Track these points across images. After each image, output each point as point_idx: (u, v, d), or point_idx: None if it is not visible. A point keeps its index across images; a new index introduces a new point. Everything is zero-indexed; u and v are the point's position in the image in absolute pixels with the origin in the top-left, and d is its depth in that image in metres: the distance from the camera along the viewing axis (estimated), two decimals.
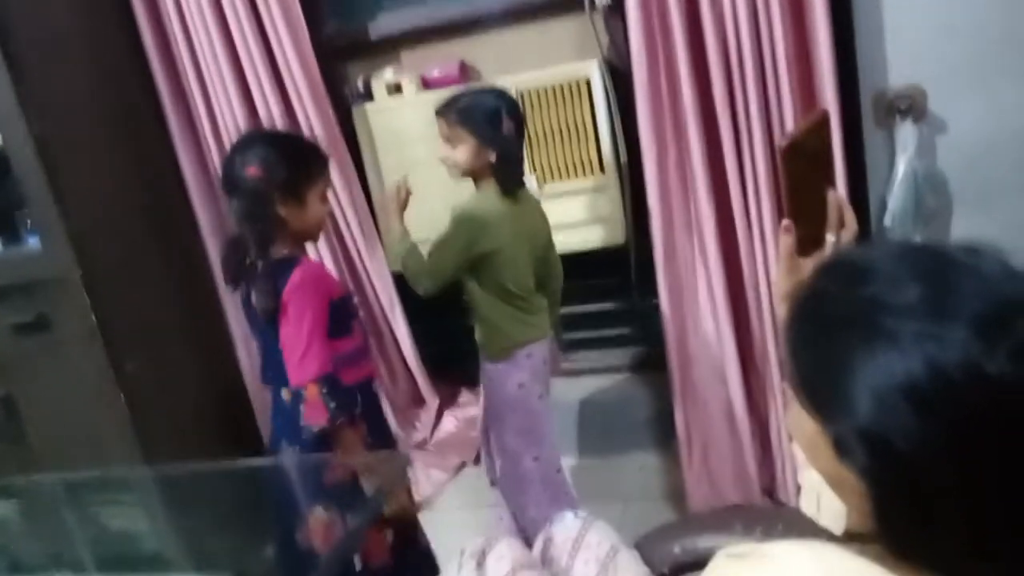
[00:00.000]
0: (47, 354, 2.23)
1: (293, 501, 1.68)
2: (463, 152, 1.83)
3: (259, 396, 2.64)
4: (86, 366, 2.21)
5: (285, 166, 1.62)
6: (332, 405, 1.56)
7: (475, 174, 1.88)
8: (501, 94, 1.89)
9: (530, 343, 1.94)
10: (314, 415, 1.56)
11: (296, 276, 1.60)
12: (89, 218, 2.19)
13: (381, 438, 1.80)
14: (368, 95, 2.48)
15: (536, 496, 2.00)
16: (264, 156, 1.61)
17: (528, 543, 1.40)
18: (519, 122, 1.88)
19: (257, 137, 1.75)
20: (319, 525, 1.57)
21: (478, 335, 1.98)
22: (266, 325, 1.64)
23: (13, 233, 2.30)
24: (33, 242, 2.23)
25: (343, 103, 2.51)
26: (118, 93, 2.35)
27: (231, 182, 1.65)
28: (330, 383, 1.57)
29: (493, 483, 2.14)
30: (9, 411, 2.31)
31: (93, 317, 2.17)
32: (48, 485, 1.94)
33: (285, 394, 1.65)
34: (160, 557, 1.70)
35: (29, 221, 2.22)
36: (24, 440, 2.32)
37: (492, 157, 1.83)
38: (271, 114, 2.29)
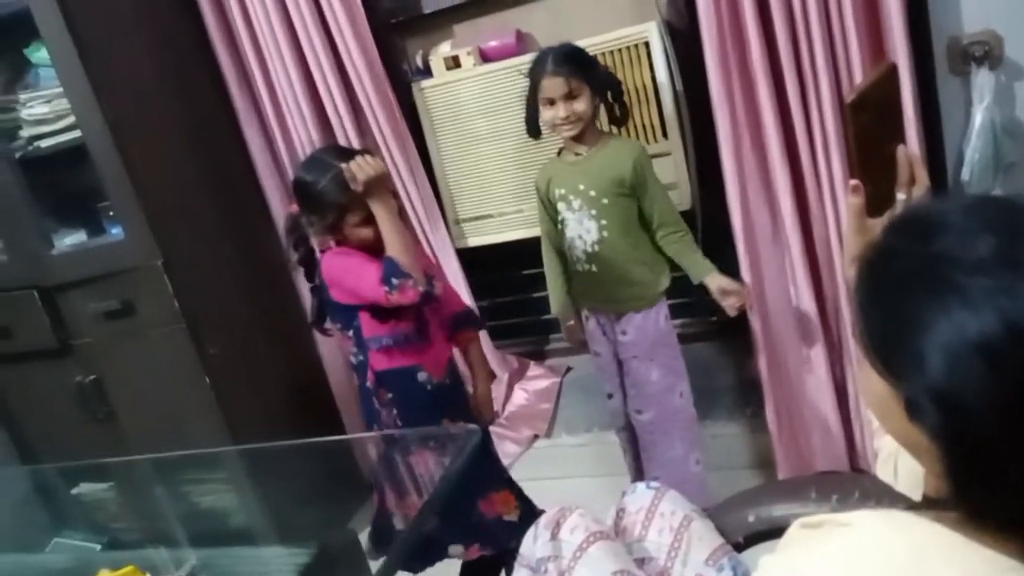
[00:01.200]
0: (133, 339, 2.32)
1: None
2: (583, 102, 1.88)
3: (336, 376, 2.70)
4: (171, 350, 2.29)
5: (315, 213, 1.76)
6: (405, 283, 1.67)
7: (589, 124, 1.93)
8: (571, 44, 1.95)
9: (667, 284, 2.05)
10: (406, 296, 1.67)
11: (324, 262, 1.80)
12: (167, 206, 2.26)
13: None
14: (427, 70, 2.49)
15: (682, 433, 2.06)
16: (300, 199, 1.79)
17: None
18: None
19: (299, 174, 1.84)
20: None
21: (630, 287, 1.99)
22: (337, 315, 1.82)
23: (97, 224, 2.40)
24: (116, 232, 2.32)
25: (403, 79, 2.52)
26: (186, 82, 2.41)
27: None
28: (385, 274, 1.67)
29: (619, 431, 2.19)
30: (99, 395, 2.42)
31: (176, 303, 2.24)
32: (139, 465, 2.03)
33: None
34: (248, 532, 1.77)
35: (111, 212, 2.31)
36: (114, 423, 2.43)
37: (598, 99, 1.91)
38: (332, 95, 2.31)
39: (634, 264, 1.97)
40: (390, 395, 1.82)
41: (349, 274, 1.74)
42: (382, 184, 1.70)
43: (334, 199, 1.70)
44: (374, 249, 1.73)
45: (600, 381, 2.16)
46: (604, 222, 1.94)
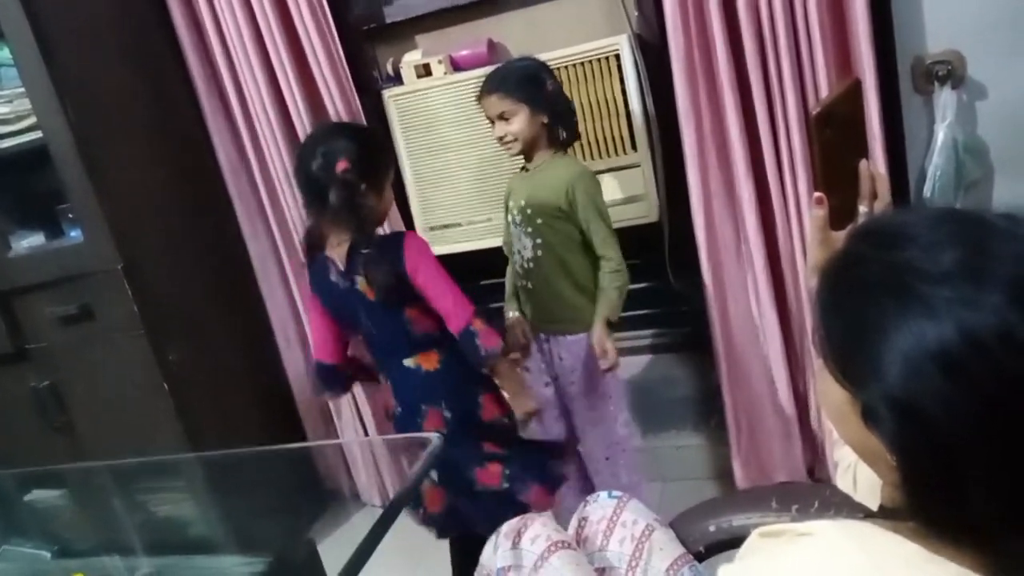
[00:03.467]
0: (91, 344, 2.28)
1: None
2: (518, 123, 1.86)
3: (299, 384, 2.67)
4: (130, 355, 2.26)
5: (369, 158, 1.71)
6: (499, 329, 1.71)
7: (532, 144, 1.90)
8: (531, 58, 1.95)
9: None
10: (490, 341, 1.69)
11: (411, 243, 1.72)
12: (129, 210, 2.23)
13: None
14: (398, 78, 2.48)
15: (628, 461, 2.04)
16: (348, 150, 1.69)
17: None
18: (556, 79, 1.93)
19: (334, 131, 1.81)
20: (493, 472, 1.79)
21: (570, 306, 1.96)
22: (380, 303, 1.72)
23: (55, 226, 2.36)
24: (75, 235, 2.28)
25: (373, 87, 2.51)
26: (153, 84, 2.38)
27: (313, 178, 1.71)
28: (483, 314, 1.70)
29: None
30: (56, 401, 2.37)
31: (135, 308, 2.21)
32: (95, 472, 1.99)
33: (410, 362, 1.77)
34: (205, 540, 1.74)
35: (71, 214, 2.27)
36: (71, 428, 2.38)
37: (545, 118, 1.87)
38: (296, 101, 2.29)
39: (566, 287, 1.95)
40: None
41: (440, 276, 1.72)
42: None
43: (387, 148, 1.80)
44: (383, 220, 1.84)
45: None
46: (538, 241, 1.94)
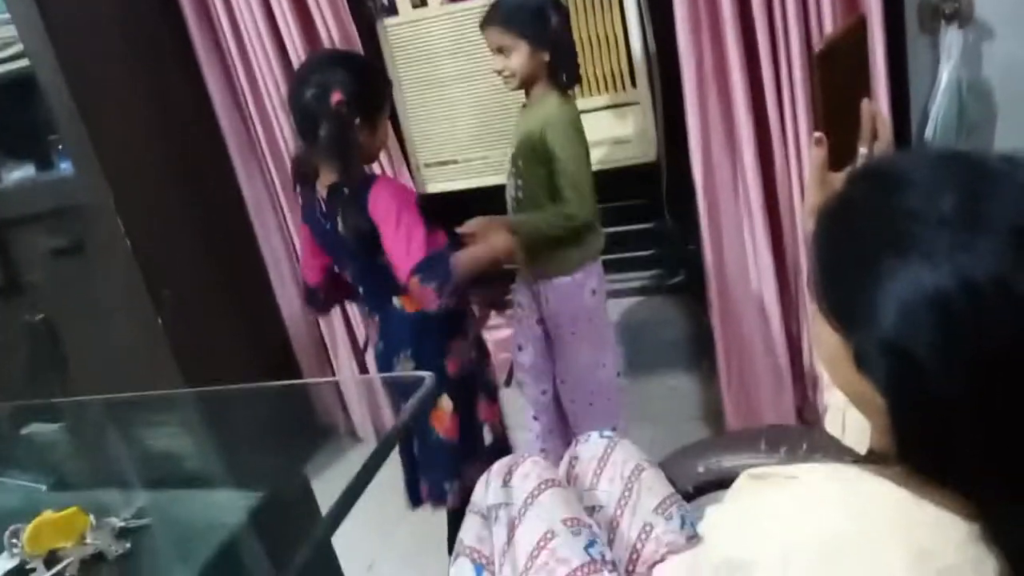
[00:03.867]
0: (83, 278, 2.27)
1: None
2: (518, 58, 1.79)
3: (293, 320, 2.68)
4: (123, 291, 2.25)
5: (366, 92, 1.65)
6: (434, 285, 1.57)
7: (531, 80, 1.84)
8: None
9: (599, 251, 1.96)
10: (420, 303, 1.61)
11: (376, 190, 1.63)
12: (120, 143, 2.20)
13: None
14: (393, 8, 2.42)
15: (605, 406, 2.03)
16: (345, 82, 1.62)
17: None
18: (565, 15, 1.85)
19: (332, 61, 1.75)
20: (443, 414, 1.73)
21: (543, 250, 1.92)
22: (360, 247, 1.67)
23: (46, 159, 2.32)
24: (65, 167, 2.25)
25: (367, 17, 2.45)
26: (142, 14, 2.32)
27: (307, 109, 1.64)
28: (428, 266, 1.57)
29: (536, 417, 2.15)
30: (49, 334, 2.37)
31: (127, 242, 2.19)
32: (90, 406, 1.99)
33: (397, 302, 1.72)
34: (199, 475, 1.75)
35: (61, 146, 2.24)
36: (63, 363, 2.39)
37: (547, 56, 1.80)
38: (291, 30, 2.24)
39: None
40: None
41: (396, 225, 1.60)
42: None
43: (385, 81, 1.71)
44: (376, 156, 1.78)
45: (515, 334, 2.13)
46: (519, 182, 1.91)
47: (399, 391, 1.76)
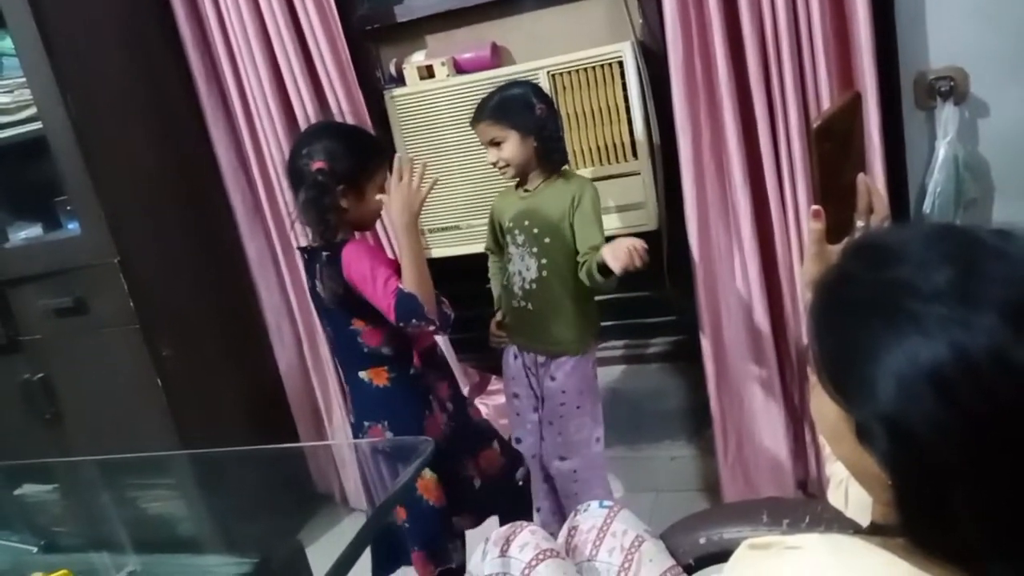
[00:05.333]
0: (85, 338, 2.27)
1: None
2: (509, 148, 1.88)
3: (292, 383, 2.67)
4: (123, 350, 2.25)
5: (348, 160, 1.69)
6: (422, 323, 1.64)
7: (525, 168, 1.92)
8: (524, 83, 1.98)
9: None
10: (423, 337, 1.75)
11: (347, 253, 1.68)
12: (126, 204, 2.23)
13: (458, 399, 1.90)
14: (400, 79, 2.48)
15: (600, 479, 2.05)
16: (329, 149, 1.69)
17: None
18: (549, 103, 1.93)
19: (323, 130, 1.83)
20: (430, 483, 1.74)
21: (564, 329, 1.96)
22: (335, 310, 1.72)
23: (53, 219, 2.35)
24: (72, 227, 2.27)
25: (375, 87, 2.50)
26: (154, 79, 2.38)
27: (296, 173, 1.72)
28: (401, 311, 1.62)
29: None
30: (47, 393, 2.36)
31: (130, 302, 2.20)
32: (85, 467, 1.98)
33: (364, 375, 1.76)
34: (192, 539, 1.73)
35: (69, 207, 2.27)
36: (61, 422, 2.38)
37: (534, 142, 1.88)
38: (302, 99, 2.29)
39: (568, 307, 1.95)
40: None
41: (368, 279, 1.65)
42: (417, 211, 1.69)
43: (375, 152, 1.75)
44: (371, 223, 1.83)
45: (514, 425, 2.14)
46: (544, 261, 1.94)
47: (392, 457, 1.75)
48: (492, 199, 2.39)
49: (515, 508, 1.87)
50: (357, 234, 1.81)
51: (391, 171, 1.69)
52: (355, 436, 1.84)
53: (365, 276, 1.64)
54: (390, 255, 2.07)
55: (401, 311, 1.61)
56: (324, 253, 1.70)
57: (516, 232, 1.98)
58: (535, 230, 1.94)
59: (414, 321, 1.62)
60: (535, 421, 2.08)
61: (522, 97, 1.90)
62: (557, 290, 1.95)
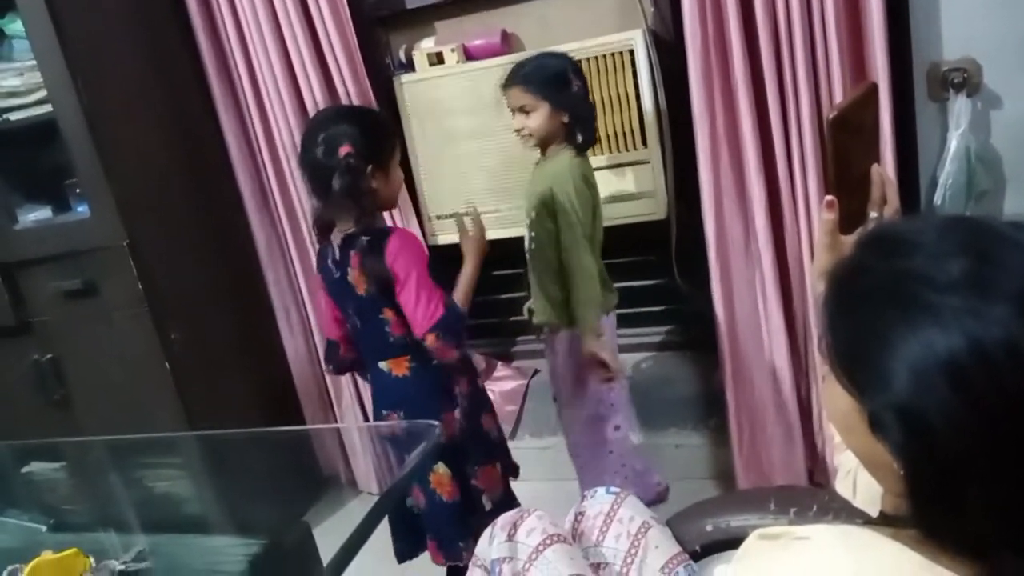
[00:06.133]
0: (94, 320, 2.28)
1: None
2: (537, 118, 1.85)
3: (299, 367, 2.67)
4: (132, 333, 2.26)
5: (372, 141, 1.69)
6: (450, 342, 1.68)
7: (548, 140, 1.89)
8: (562, 55, 1.93)
9: (611, 306, 1.99)
10: (444, 354, 1.69)
11: (395, 242, 1.68)
12: (136, 187, 2.23)
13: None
14: (410, 65, 2.47)
15: (614, 466, 2.03)
16: (350, 133, 1.68)
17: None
18: (584, 81, 1.91)
19: (337, 116, 1.80)
20: (443, 478, 1.76)
21: (555, 302, 1.95)
22: (366, 298, 1.72)
23: (63, 201, 2.35)
24: (82, 210, 2.28)
25: (385, 73, 2.50)
26: (164, 63, 2.37)
27: (315, 163, 1.70)
28: (445, 325, 1.67)
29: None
30: (56, 375, 2.37)
31: (139, 285, 2.21)
32: (93, 447, 1.99)
33: (384, 365, 1.78)
34: (200, 520, 1.73)
35: (78, 190, 2.27)
36: (70, 404, 2.39)
37: (565, 118, 1.85)
38: (311, 84, 2.29)
39: (550, 283, 1.95)
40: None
41: (412, 282, 1.67)
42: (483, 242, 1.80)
43: (389, 129, 1.77)
44: (395, 200, 1.82)
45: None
46: (532, 234, 1.95)
47: (402, 442, 1.75)
48: (502, 185, 2.40)
49: None
50: (389, 220, 1.80)
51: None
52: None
53: (411, 274, 1.66)
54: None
55: (444, 324, 1.65)
56: (364, 239, 1.69)
57: (524, 203, 1.98)
58: (526, 203, 1.95)
59: (449, 338, 1.65)
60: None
61: (560, 69, 1.86)
62: (541, 265, 1.95)
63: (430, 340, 1.66)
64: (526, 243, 1.98)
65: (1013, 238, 0.65)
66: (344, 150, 1.66)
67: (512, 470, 1.96)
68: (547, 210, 1.88)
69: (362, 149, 1.66)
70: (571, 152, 1.89)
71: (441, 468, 1.76)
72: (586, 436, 2.03)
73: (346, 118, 1.75)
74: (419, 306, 1.66)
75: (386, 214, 2.41)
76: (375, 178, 1.69)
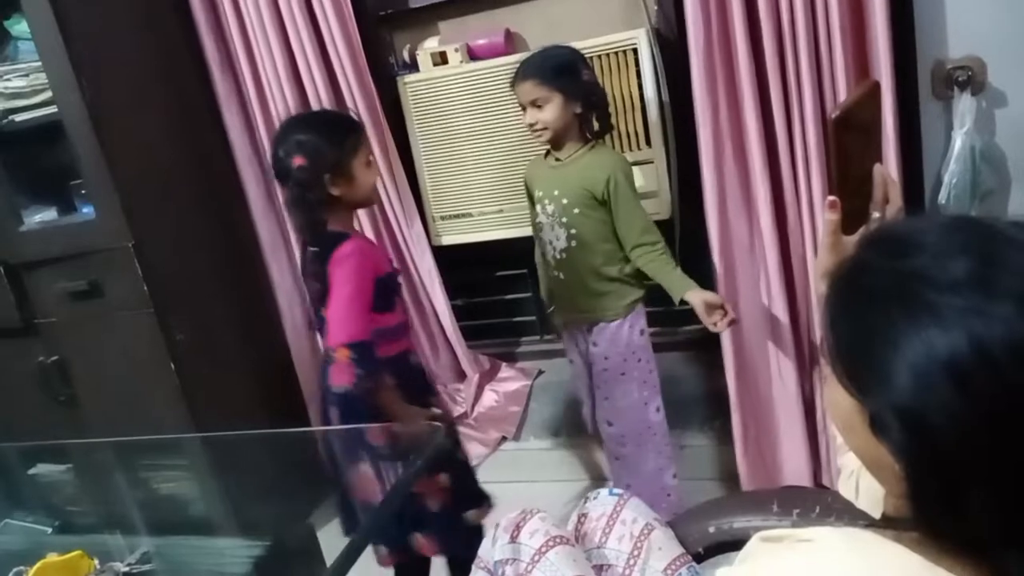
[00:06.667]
0: (99, 321, 2.29)
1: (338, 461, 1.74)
2: (551, 110, 1.84)
3: (304, 368, 2.68)
4: (137, 333, 2.26)
5: (327, 148, 1.66)
6: (359, 371, 1.59)
7: (562, 133, 1.89)
8: (567, 46, 1.93)
9: (644, 293, 2.00)
10: (340, 377, 1.60)
11: (342, 249, 1.65)
12: (141, 188, 2.23)
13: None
14: (414, 65, 2.47)
15: (657, 447, 2.04)
16: (305, 143, 1.66)
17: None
18: (592, 70, 1.92)
19: (293, 124, 1.78)
20: (364, 479, 1.71)
21: (593, 298, 1.96)
22: (315, 304, 1.71)
23: (68, 203, 2.36)
24: (87, 211, 2.28)
25: (388, 73, 2.50)
26: (169, 64, 2.38)
27: (279, 172, 1.70)
28: (361, 350, 1.60)
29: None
30: (62, 376, 2.38)
31: (144, 286, 2.21)
32: (99, 448, 1.99)
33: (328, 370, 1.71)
34: (205, 521, 1.74)
35: (83, 191, 2.28)
36: (76, 405, 2.39)
37: (578, 108, 1.85)
38: (315, 84, 2.29)
39: (600, 277, 1.95)
40: (393, 381, 1.78)
41: (342, 292, 1.64)
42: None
43: (350, 130, 1.72)
44: (370, 198, 1.79)
45: (575, 388, 2.15)
46: (573, 231, 1.93)
47: (404, 444, 1.75)
48: (505, 185, 2.39)
49: (464, 547, 1.66)
50: (393, 219, 1.77)
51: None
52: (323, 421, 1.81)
53: (346, 286, 1.63)
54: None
55: (361, 349, 1.60)
56: (312, 249, 1.69)
57: (546, 202, 1.96)
58: (564, 200, 1.92)
59: (362, 364, 1.60)
60: (589, 386, 2.09)
61: (570, 60, 1.87)
62: (586, 262, 1.94)
63: (340, 353, 1.59)
64: (558, 242, 1.96)
65: (1017, 238, 0.65)
66: (296, 162, 1.64)
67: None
68: (596, 201, 1.89)
69: (315, 158, 1.64)
70: (605, 146, 1.92)
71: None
72: (631, 424, 2.03)
73: (300, 127, 1.73)
74: (342, 317, 1.61)
75: (392, 215, 2.42)
76: (335, 184, 1.66)
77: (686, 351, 2.55)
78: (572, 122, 1.88)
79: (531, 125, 1.88)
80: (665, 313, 2.56)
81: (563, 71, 1.84)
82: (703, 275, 2.09)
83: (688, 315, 2.47)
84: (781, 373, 2.10)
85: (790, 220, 1.98)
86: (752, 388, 2.14)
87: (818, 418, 2.13)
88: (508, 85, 1.93)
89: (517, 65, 1.90)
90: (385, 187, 2.39)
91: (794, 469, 2.15)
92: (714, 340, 2.14)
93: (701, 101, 1.95)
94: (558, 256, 1.98)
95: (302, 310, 2.63)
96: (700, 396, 2.44)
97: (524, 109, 1.89)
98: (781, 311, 2.04)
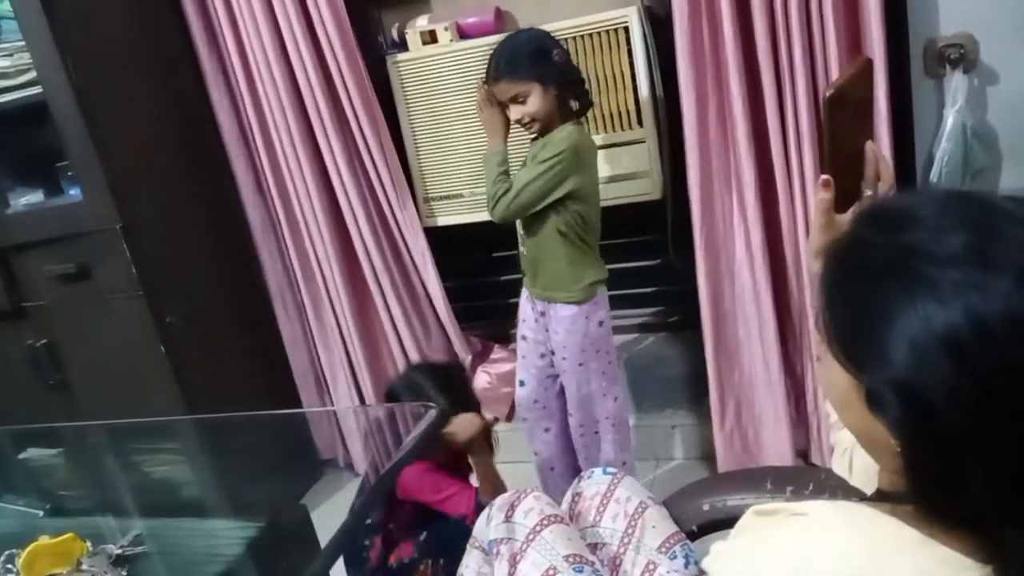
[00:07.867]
0: (89, 304, 2.28)
1: None
2: (533, 102, 1.81)
3: (295, 351, 2.67)
4: (127, 316, 2.25)
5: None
6: None
7: (549, 119, 1.85)
8: (529, 30, 1.90)
9: (605, 281, 1.97)
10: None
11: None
12: (129, 170, 2.21)
13: None
14: (403, 44, 2.45)
15: (615, 436, 2.04)
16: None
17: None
18: (561, 46, 1.88)
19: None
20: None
21: (550, 278, 1.94)
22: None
23: (55, 185, 2.34)
24: (74, 193, 2.26)
25: (378, 52, 2.48)
26: (155, 43, 2.35)
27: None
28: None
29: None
30: (52, 359, 2.36)
31: (133, 268, 2.20)
32: (90, 432, 1.99)
33: None
34: (198, 503, 1.74)
35: (70, 173, 2.25)
36: (66, 388, 2.39)
37: (555, 89, 1.82)
38: (304, 64, 2.27)
39: (551, 256, 1.92)
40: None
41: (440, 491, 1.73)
42: (481, 438, 1.79)
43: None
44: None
45: (521, 365, 2.11)
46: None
47: (398, 424, 1.75)
48: None
49: None
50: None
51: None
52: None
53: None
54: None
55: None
56: None
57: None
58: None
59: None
60: (539, 367, 2.07)
61: (535, 45, 1.83)
62: (540, 238, 1.92)
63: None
64: (519, 223, 1.96)
65: (1013, 212, 0.65)
66: None
67: None
68: None
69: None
70: (572, 125, 1.86)
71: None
72: (589, 414, 2.03)
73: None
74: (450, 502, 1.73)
75: (383, 197, 2.41)
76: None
77: (678, 331, 2.55)
78: (554, 106, 1.84)
79: (518, 121, 1.86)
80: (655, 294, 2.57)
81: (533, 59, 1.80)
82: (694, 255, 2.10)
83: (680, 296, 2.49)
84: (765, 351, 2.10)
85: (780, 199, 1.98)
86: (734, 367, 2.14)
87: (808, 398, 2.13)
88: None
89: (489, 62, 1.85)
90: (376, 169, 2.37)
91: (778, 448, 2.15)
92: (698, 319, 2.13)
93: (685, 79, 1.93)
94: (522, 231, 1.97)
95: (292, 291, 2.62)
96: (689, 376, 2.44)
97: (506, 106, 1.86)
98: (766, 291, 2.03)
